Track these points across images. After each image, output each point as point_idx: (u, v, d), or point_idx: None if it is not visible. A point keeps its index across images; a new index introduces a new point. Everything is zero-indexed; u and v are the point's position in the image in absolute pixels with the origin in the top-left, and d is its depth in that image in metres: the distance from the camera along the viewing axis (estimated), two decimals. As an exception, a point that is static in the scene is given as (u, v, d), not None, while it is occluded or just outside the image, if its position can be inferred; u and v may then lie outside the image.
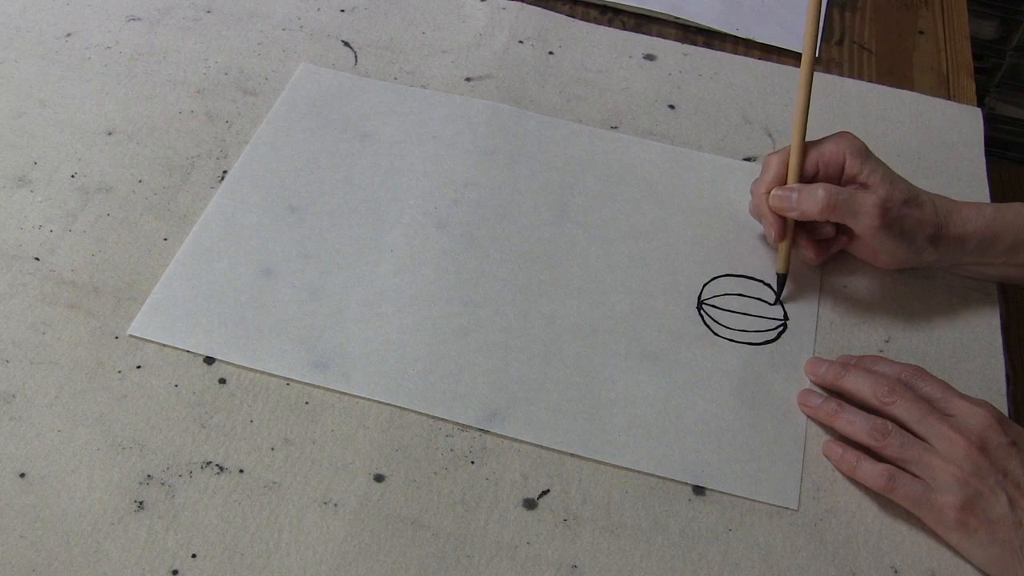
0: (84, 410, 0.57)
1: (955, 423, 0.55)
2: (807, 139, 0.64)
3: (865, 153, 0.64)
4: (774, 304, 0.66)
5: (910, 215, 0.63)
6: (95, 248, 0.65)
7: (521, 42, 0.81)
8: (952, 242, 0.64)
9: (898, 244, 0.63)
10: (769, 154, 0.66)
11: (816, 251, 0.66)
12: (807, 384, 0.62)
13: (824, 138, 0.65)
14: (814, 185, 0.63)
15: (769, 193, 0.64)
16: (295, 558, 0.52)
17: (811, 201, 0.62)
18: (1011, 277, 0.66)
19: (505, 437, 0.58)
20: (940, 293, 0.67)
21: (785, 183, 0.64)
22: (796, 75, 0.81)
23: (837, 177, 0.64)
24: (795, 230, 0.65)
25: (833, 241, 0.67)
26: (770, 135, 0.76)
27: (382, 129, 0.73)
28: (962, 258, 0.65)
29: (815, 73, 0.81)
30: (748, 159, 0.74)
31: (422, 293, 0.64)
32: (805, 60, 0.64)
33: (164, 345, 0.60)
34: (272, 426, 0.57)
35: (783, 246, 0.65)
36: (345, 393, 0.59)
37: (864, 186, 0.63)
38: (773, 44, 0.84)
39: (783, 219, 0.64)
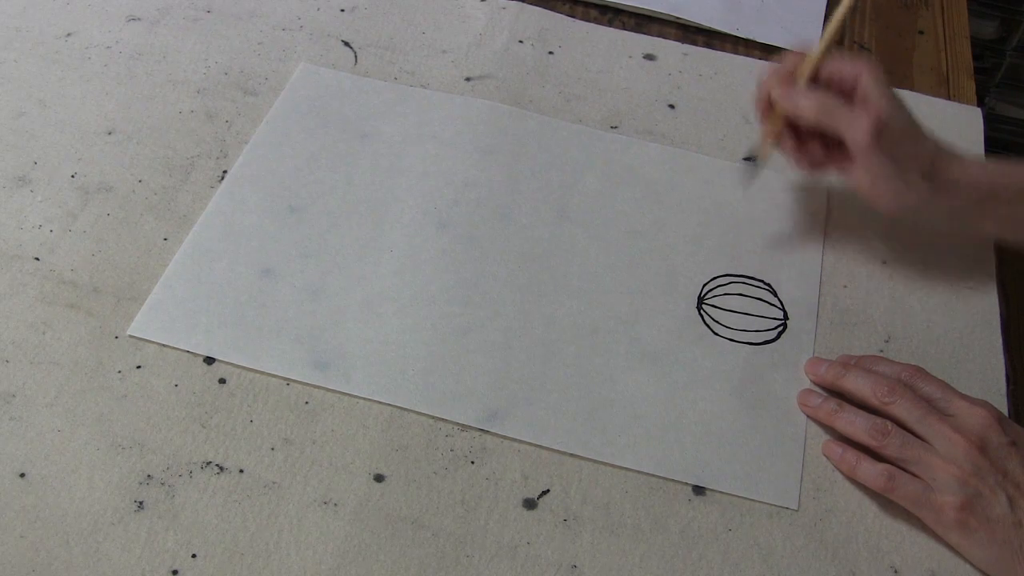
0: (84, 410, 0.57)
1: (955, 423, 0.55)
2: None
3: (881, 78, 0.62)
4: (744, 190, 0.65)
5: (905, 142, 0.61)
6: (95, 248, 0.65)
7: (521, 42, 0.81)
8: (949, 186, 0.62)
9: (889, 169, 0.61)
10: (793, 50, 0.65)
11: (797, 156, 0.65)
12: (807, 384, 0.62)
13: (847, 55, 0.64)
14: (814, 89, 0.62)
15: (773, 78, 0.64)
16: (295, 558, 0.52)
17: (807, 100, 0.62)
18: (1007, 236, 0.65)
19: (505, 437, 0.58)
20: (940, 293, 0.67)
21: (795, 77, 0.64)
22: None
23: (849, 94, 0.63)
24: (784, 133, 0.65)
25: (825, 161, 0.66)
26: (770, 135, 0.76)
27: (382, 129, 0.73)
28: (959, 204, 0.63)
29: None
30: (748, 159, 0.74)
31: (422, 293, 0.64)
32: None
33: (164, 345, 0.60)
34: (272, 426, 0.57)
35: (764, 132, 0.65)
36: (345, 393, 0.59)
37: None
38: (773, 44, 0.84)
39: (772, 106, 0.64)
